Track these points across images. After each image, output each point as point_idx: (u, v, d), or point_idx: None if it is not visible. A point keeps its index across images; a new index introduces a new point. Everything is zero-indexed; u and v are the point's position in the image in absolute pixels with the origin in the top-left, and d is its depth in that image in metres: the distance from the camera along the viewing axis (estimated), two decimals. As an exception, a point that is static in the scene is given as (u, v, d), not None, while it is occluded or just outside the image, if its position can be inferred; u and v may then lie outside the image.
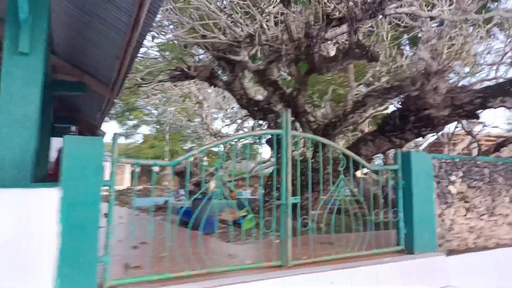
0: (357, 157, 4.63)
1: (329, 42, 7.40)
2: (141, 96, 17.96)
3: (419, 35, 9.82)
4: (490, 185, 5.58)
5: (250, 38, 6.49)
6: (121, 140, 27.35)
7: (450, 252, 4.95)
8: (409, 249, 4.73)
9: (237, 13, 6.45)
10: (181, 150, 25.69)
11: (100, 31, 5.49)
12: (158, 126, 23.97)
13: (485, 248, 5.33)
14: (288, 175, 4.11)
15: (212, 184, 19.70)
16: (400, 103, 8.70)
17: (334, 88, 9.73)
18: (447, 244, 4.99)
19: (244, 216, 8.77)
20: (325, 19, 6.83)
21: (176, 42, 8.94)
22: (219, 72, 10.14)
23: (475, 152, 14.06)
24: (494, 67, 11.83)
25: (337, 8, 6.68)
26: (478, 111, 8.16)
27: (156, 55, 10.95)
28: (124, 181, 27.18)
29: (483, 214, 5.40)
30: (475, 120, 10.35)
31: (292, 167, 4.09)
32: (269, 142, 10.01)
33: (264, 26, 6.56)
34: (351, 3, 5.79)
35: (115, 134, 3.40)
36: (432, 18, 6.41)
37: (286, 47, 6.45)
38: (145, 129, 27.49)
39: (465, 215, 5.22)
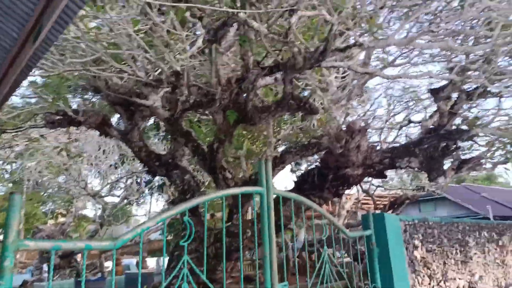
0: (339, 225, 3.75)
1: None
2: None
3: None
4: (439, 247, 5.29)
5: (176, 77, 5.35)
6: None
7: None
8: (393, 336, 3.89)
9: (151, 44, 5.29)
10: (41, 214, 21.19)
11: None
12: (11, 185, 19.50)
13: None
14: (272, 250, 2.95)
15: (80, 256, 16.33)
16: (320, 160, 8.41)
17: (248, 142, 9.06)
18: (422, 322, 4.33)
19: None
20: (254, 66, 6.17)
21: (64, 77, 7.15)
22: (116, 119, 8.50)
23: (363, 211, 14.73)
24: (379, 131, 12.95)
25: (270, 53, 6.11)
26: (386, 171, 8.36)
27: (29, 94, 8.73)
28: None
29: (440, 281, 4.99)
30: (382, 179, 10.82)
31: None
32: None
33: (189, 65, 5.53)
34: (295, 49, 5.25)
35: (12, 194, 1.83)
36: (368, 74, 6.33)
37: (221, 91, 5.48)
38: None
39: (429, 283, 4.72)
